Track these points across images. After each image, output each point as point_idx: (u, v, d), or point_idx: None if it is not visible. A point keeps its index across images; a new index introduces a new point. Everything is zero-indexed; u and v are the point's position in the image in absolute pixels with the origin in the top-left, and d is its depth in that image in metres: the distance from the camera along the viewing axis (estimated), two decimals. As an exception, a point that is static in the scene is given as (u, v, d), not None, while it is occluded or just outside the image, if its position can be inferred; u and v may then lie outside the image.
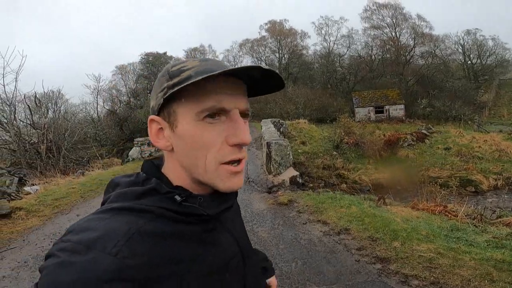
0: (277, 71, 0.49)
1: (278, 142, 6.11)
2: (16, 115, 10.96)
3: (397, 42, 33.45)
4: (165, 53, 36.76)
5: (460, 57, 36.55)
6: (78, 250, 0.38)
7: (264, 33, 39.02)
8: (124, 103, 32.13)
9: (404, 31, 33.46)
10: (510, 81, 42.16)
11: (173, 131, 0.48)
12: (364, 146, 14.39)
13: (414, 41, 32.84)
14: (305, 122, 18.43)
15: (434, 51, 32.88)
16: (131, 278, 0.38)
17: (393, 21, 33.19)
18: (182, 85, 0.44)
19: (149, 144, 10.75)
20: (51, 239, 3.71)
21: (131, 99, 33.30)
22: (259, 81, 0.50)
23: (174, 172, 0.50)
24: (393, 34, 33.84)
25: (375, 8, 33.97)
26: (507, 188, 10.57)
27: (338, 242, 3.50)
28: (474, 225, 4.51)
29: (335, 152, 13.73)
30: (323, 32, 36.30)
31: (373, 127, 22.91)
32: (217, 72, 0.42)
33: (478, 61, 37.53)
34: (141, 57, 35.85)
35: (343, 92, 33.94)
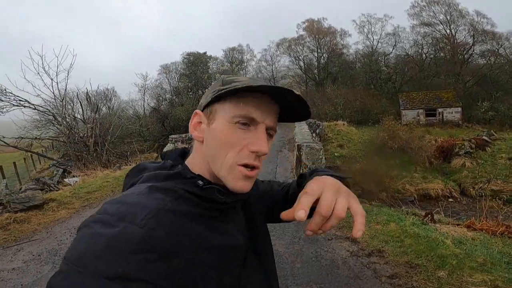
0: (307, 100, 0.56)
1: (309, 145, 5.61)
2: (67, 110, 11.96)
3: (452, 40, 29.96)
4: (205, 53, 37.86)
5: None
6: (110, 222, 0.42)
7: (301, 32, 38.05)
8: (167, 100, 33.83)
9: (461, 28, 29.78)
10: None
11: (209, 126, 0.55)
12: (411, 152, 12.96)
13: (473, 38, 29.03)
14: (343, 124, 17.36)
15: (497, 50, 28.73)
16: (154, 249, 0.41)
17: (447, 18, 29.79)
18: (227, 90, 0.51)
19: (183, 141, 10.95)
20: (71, 232, 3.76)
21: (174, 97, 34.99)
22: (292, 105, 0.57)
23: (198, 162, 0.57)
24: (448, 31, 30.37)
25: (425, 4, 30.82)
26: None
27: (367, 266, 2.95)
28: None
29: (376, 157, 12.59)
30: (365, 30, 34.09)
31: (423, 131, 20.64)
32: (255, 85, 0.50)
33: None
34: (183, 57, 37.40)
35: (388, 93, 31.46)
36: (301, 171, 5.73)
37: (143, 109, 29.67)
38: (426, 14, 31.10)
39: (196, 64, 35.89)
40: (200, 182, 0.52)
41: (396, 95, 29.84)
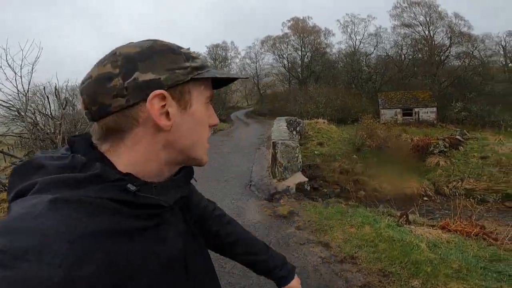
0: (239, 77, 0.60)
1: (285, 142, 5.38)
2: (31, 105, 11.05)
3: (430, 41, 30.96)
4: (188, 49, 36.95)
5: (501, 59, 33.15)
6: (2, 263, 0.29)
7: (286, 30, 38.06)
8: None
9: (439, 29, 30.84)
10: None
11: (185, 110, 0.49)
12: (388, 150, 13.14)
13: (451, 40, 30.18)
14: (324, 122, 17.39)
15: (472, 52, 30.02)
16: None
17: (426, 19, 30.72)
18: (213, 75, 0.50)
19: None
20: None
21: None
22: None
23: (134, 157, 0.46)
24: (427, 32, 31.35)
25: (406, 5, 31.63)
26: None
27: (339, 274, 2.74)
28: (520, 252, 3.54)
29: (355, 156, 12.66)
30: (348, 30, 34.61)
31: (400, 130, 21.20)
32: (235, 77, 0.57)
33: None
34: None
35: (369, 92, 32.10)
36: (276, 169, 5.48)
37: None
38: (407, 15, 31.94)
39: None
40: (132, 187, 0.41)
41: (375, 95, 30.48)
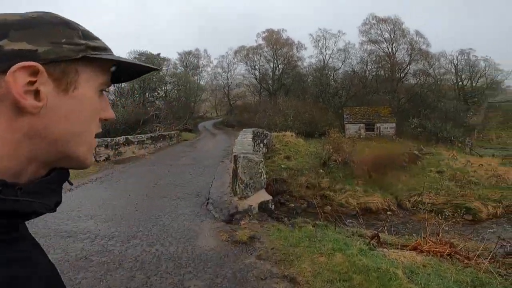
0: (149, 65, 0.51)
1: (247, 156, 4.82)
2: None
3: (393, 58, 33.19)
4: (158, 54, 35.56)
5: (453, 77, 36.50)
6: None
7: (260, 41, 38.55)
8: (111, 102, 30.55)
9: (401, 46, 33.21)
10: (499, 104, 42.70)
11: (66, 92, 0.40)
12: (354, 165, 13.24)
13: (410, 57, 32.58)
14: (292, 135, 17.29)
15: (428, 70, 32.68)
16: None
17: (391, 36, 32.98)
18: (120, 59, 0.44)
19: (108, 145, 9.26)
20: None
21: (116, 98, 31.83)
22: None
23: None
24: (390, 49, 33.62)
25: (375, 22, 33.77)
26: (506, 217, 9.57)
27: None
28: (499, 273, 3.34)
29: (321, 170, 12.53)
30: (320, 44, 35.94)
31: (363, 145, 21.96)
32: (141, 64, 0.48)
33: (469, 82, 37.53)
34: (134, 57, 34.48)
35: (335, 107, 33.26)
36: (237, 186, 4.88)
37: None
38: (374, 31, 34.00)
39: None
40: None
41: (341, 109, 31.64)
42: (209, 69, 42.61)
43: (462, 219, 9.54)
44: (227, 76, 40.81)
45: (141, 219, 4.53)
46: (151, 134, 12.72)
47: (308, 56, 37.89)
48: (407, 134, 27.93)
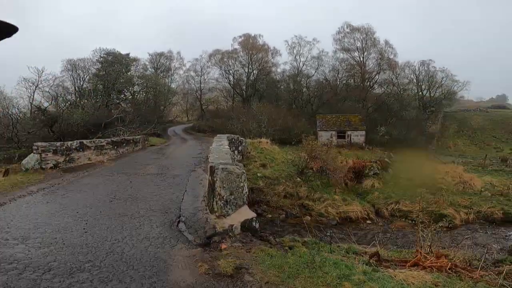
0: None
1: (227, 167, 4.10)
2: None
3: (363, 67, 34.48)
4: (127, 55, 33.34)
5: (414, 87, 38.77)
6: None
7: (236, 46, 38.06)
8: (68, 102, 27.77)
9: (371, 56, 34.61)
10: (454, 114, 46.47)
11: None
12: (330, 173, 13.03)
13: (379, 67, 34.06)
14: (267, 142, 16.80)
15: (392, 79, 34.39)
16: None
17: (362, 45, 34.28)
18: None
19: (56, 151, 7.91)
20: None
21: (77, 99, 29.11)
22: None
23: None
24: (361, 58, 34.89)
25: (349, 31, 34.91)
26: (477, 223, 9.84)
27: None
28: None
29: (299, 179, 12.12)
30: (294, 51, 36.34)
31: (335, 152, 22.21)
32: None
33: (428, 92, 40.11)
34: (100, 56, 31.92)
35: (308, 114, 33.66)
36: (214, 203, 4.12)
37: (29, 109, 23.32)
38: (347, 40, 35.06)
39: (114, 65, 30.98)
40: None
41: (313, 117, 32.07)
42: (181, 72, 41.15)
43: (438, 226, 9.65)
44: (200, 80, 39.68)
45: (91, 245, 3.54)
46: (113, 139, 11.36)
47: (283, 63, 38.09)
48: (376, 142, 29.03)
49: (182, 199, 5.44)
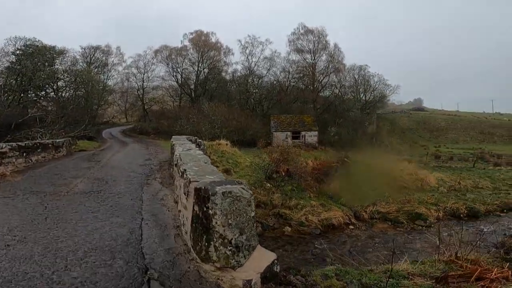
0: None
1: (231, 192, 2.39)
2: None
3: (314, 69, 35.20)
4: (53, 47, 27.44)
5: (354, 90, 41.41)
6: None
7: (186, 43, 35.16)
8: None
9: (323, 58, 35.47)
10: (385, 116, 51.68)
11: None
12: (299, 177, 12.06)
13: (328, 69, 35.15)
14: (227, 144, 15.13)
15: (340, 82, 35.95)
16: None
17: (314, 47, 34.90)
18: None
19: None
20: None
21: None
22: None
23: None
24: (312, 60, 35.50)
25: (302, 32, 35.16)
26: (447, 218, 9.97)
27: None
28: None
29: (268, 184, 10.81)
30: (247, 51, 35.14)
31: (294, 153, 21.75)
32: None
33: (365, 95, 43.46)
34: (16, 47, 25.57)
35: (259, 114, 32.92)
36: (212, 248, 2.40)
37: None
38: (301, 42, 35.23)
39: (33, 57, 24.96)
40: None
41: (266, 117, 31.48)
42: (120, 68, 36.27)
43: (414, 224, 9.45)
44: (143, 78, 35.52)
45: None
46: (20, 143, 8.18)
47: (235, 62, 36.58)
48: (327, 142, 29.84)
49: (141, 234, 3.49)
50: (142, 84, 35.44)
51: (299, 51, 34.57)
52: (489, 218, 10.13)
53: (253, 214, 2.52)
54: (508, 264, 3.87)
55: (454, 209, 10.19)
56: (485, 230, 8.96)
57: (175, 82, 35.27)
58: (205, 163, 3.92)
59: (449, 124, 50.81)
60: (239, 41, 35.26)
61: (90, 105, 28.77)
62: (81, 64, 32.15)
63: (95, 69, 33.31)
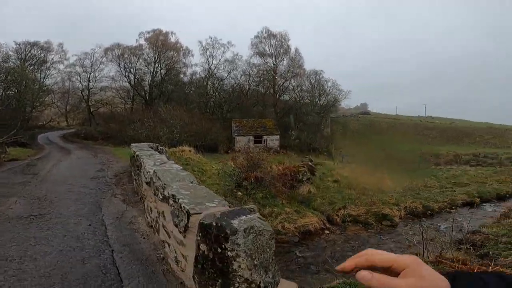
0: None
1: (253, 226, 1.85)
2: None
3: (274, 73, 35.57)
4: None
5: (310, 95, 43.07)
6: None
7: (142, 42, 32.64)
8: None
9: (285, 62, 35.93)
10: (337, 119, 55.09)
11: None
12: (268, 183, 11.76)
13: (288, 73, 35.77)
14: (190, 151, 14.18)
15: (302, 86, 36.93)
16: None
17: (276, 51, 35.22)
18: None
19: None
20: None
21: None
22: None
23: None
24: (274, 64, 35.81)
25: (265, 36, 35.18)
26: (409, 217, 10.61)
27: None
28: None
29: (239, 193, 10.30)
30: (207, 53, 33.96)
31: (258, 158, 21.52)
32: None
33: (319, 99, 45.58)
34: None
35: (220, 118, 32.14)
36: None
37: None
38: (263, 46, 35.19)
39: None
40: None
41: (226, 121, 30.84)
42: (62, 66, 32.12)
43: (382, 225, 9.82)
44: (89, 77, 31.94)
45: None
46: None
47: (194, 64, 35.03)
48: (288, 146, 30.37)
49: (119, 273, 2.71)
50: (88, 85, 31.87)
51: (261, 54, 34.75)
52: (442, 215, 11.08)
53: (274, 246, 2.04)
54: (485, 260, 4.00)
55: (413, 208, 10.92)
56: (442, 227, 9.73)
57: (127, 83, 32.50)
58: (192, 182, 3.27)
59: (390, 126, 56.33)
60: (200, 42, 34.09)
61: (23, 106, 24.84)
62: (13, 61, 27.80)
63: (30, 66, 29.01)
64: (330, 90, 44.85)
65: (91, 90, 31.94)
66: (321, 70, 38.97)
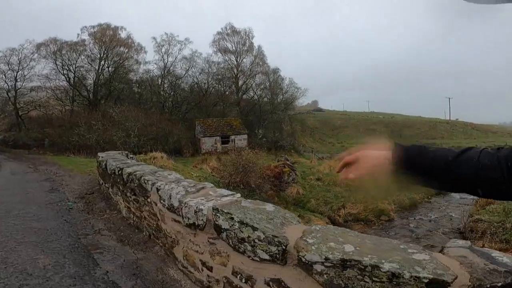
0: None
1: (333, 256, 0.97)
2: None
3: (237, 70, 34.26)
4: None
5: (269, 93, 42.94)
6: None
7: (86, 37, 28.17)
8: None
9: (247, 59, 34.67)
10: (295, 116, 56.52)
11: None
12: (257, 187, 10.83)
13: (251, 71, 34.68)
14: (162, 157, 12.40)
15: (261, 83, 36.25)
16: None
17: (240, 48, 33.81)
18: None
19: None
20: None
21: None
22: None
23: None
24: (237, 61, 34.39)
25: (229, 32, 33.40)
26: (400, 211, 10.73)
27: None
28: None
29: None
30: (163, 50, 30.91)
31: (228, 159, 20.31)
32: None
33: (276, 98, 45.87)
34: None
35: (180, 119, 29.81)
36: None
37: None
38: (226, 42, 33.37)
39: None
40: None
41: (188, 121, 28.76)
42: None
43: (380, 220, 9.69)
44: (16, 76, 26.58)
45: None
46: None
47: (147, 61, 31.57)
48: (255, 145, 29.66)
49: None
50: (15, 85, 26.52)
51: (223, 51, 33.17)
52: (424, 205, 11.54)
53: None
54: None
55: (400, 201, 11.12)
56: (433, 217, 9.98)
57: (66, 82, 27.96)
58: (188, 191, 2.11)
59: (343, 122, 59.94)
60: (154, 38, 30.95)
61: None
62: None
63: None
64: (288, 88, 45.50)
65: (19, 90, 26.62)
66: (278, 68, 39.09)
